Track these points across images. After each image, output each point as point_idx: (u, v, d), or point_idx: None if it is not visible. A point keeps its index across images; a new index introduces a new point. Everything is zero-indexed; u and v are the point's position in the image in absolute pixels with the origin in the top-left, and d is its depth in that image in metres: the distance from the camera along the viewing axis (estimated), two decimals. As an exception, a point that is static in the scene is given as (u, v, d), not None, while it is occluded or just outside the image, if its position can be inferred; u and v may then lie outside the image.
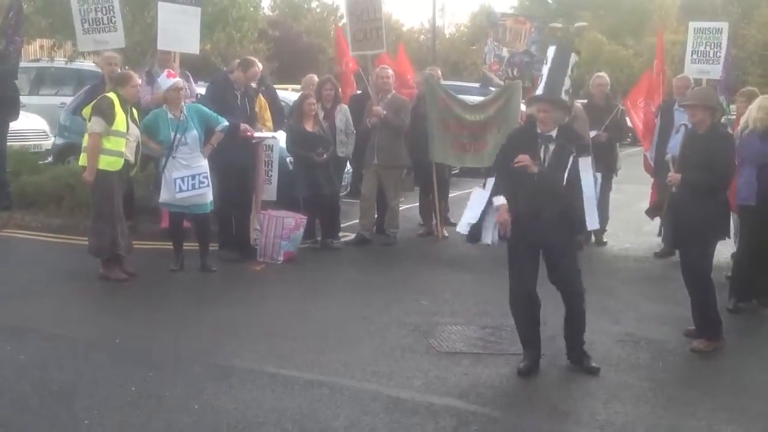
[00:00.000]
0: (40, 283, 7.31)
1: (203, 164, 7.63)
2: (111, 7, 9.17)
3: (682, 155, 6.09)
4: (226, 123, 7.81)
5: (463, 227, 6.46)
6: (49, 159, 12.36)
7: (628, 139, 14.82)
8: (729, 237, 6.33)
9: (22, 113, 10.92)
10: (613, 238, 9.95)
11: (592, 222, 5.66)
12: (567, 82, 5.48)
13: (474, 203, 6.34)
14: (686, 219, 5.90)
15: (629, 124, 10.62)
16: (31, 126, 13.56)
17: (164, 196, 7.60)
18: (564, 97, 5.47)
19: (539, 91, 5.59)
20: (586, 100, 10.13)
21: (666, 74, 10.92)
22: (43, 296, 6.88)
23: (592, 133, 9.21)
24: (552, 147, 5.35)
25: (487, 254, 9.24)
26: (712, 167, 5.78)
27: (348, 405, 4.77)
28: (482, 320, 6.62)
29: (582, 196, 5.45)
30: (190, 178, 7.51)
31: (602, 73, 10.31)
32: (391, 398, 4.88)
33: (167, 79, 7.63)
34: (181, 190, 7.49)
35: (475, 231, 6.17)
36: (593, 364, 5.45)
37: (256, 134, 8.42)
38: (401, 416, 4.64)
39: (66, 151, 11.41)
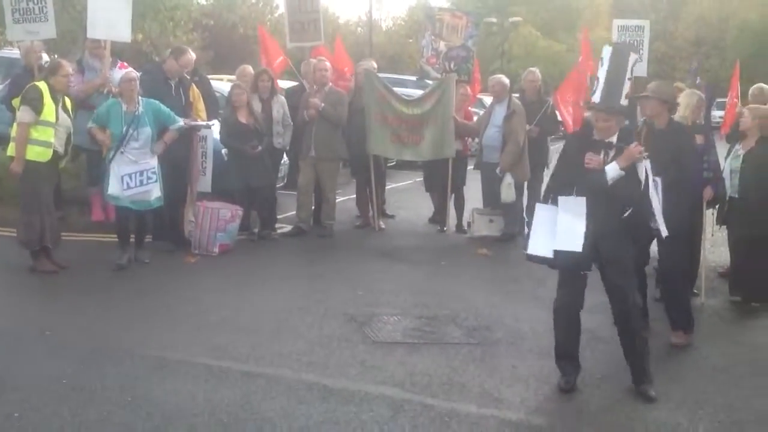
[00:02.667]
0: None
1: (151, 161, 7.49)
2: None
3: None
4: (181, 123, 7.72)
5: (563, 244, 5.06)
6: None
7: (561, 133, 15.13)
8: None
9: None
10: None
11: (663, 227, 5.16)
12: (627, 86, 5.11)
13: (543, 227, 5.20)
14: None
15: (559, 118, 10.84)
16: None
17: (112, 189, 7.37)
18: (624, 101, 5.09)
19: (596, 98, 5.12)
20: (518, 95, 10.31)
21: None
22: (-31, 289, 6.71)
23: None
24: (612, 153, 5.03)
25: (423, 246, 9.40)
26: (680, 162, 5.82)
27: (283, 395, 4.78)
28: (418, 310, 6.70)
29: (650, 202, 5.07)
30: (137, 174, 7.37)
31: (534, 69, 10.50)
32: (327, 388, 4.92)
33: (120, 71, 7.47)
34: (128, 187, 7.32)
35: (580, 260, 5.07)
36: (650, 393, 5.02)
37: (190, 122, 8.32)
38: (336, 405, 4.68)
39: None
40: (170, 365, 5.15)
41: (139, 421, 4.34)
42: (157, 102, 7.70)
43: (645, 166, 4.99)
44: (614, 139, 5.08)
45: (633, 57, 5.25)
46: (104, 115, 7.44)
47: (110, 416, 4.39)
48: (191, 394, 4.73)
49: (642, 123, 6.56)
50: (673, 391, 5.19)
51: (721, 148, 7.48)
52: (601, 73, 5.16)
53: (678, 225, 5.71)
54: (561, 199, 5.11)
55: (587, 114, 6.58)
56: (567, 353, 5.22)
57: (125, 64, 7.68)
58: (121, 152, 7.31)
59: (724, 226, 7.54)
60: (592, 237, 4.95)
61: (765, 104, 8.14)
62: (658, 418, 4.79)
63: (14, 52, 15.11)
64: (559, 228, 5.00)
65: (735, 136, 7.86)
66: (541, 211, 5.19)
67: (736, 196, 7.18)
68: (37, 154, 7.09)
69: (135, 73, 7.63)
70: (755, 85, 9.03)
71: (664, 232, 5.20)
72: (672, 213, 5.49)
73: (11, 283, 7.08)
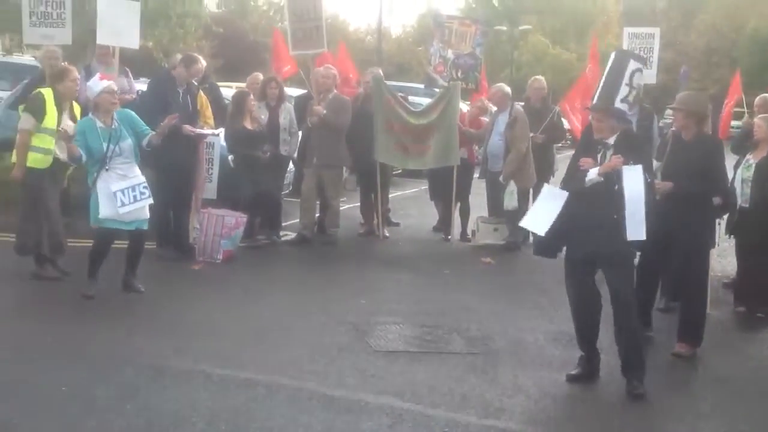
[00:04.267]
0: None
1: (139, 174, 7.00)
2: (62, 3, 9.04)
3: (669, 162, 6.05)
4: (151, 134, 7.11)
5: (530, 224, 5.56)
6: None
7: (567, 141, 15.12)
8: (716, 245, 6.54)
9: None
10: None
11: (637, 232, 5.10)
12: (624, 91, 5.35)
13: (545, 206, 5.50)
14: (678, 227, 5.82)
15: (566, 125, 10.83)
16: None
17: (105, 211, 6.64)
18: (621, 105, 5.34)
19: (595, 98, 5.52)
20: (523, 103, 10.31)
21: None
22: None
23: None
24: (609, 153, 5.23)
25: (427, 254, 9.39)
26: (706, 176, 5.85)
27: (284, 404, 4.78)
28: (420, 319, 6.68)
29: (624, 205, 5.11)
30: (130, 190, 6.74)
31: (539, 77, 10.52)
32: (327, 397, 4.91)
33: (99, 82, 6.91)
34: (123, 204, 6.67)
35: (544, 246, 5.56)
36: (638, 390, 5.12)
37: (197, 131, 8.34)
38: (336, 415, 4.67)
39: (2, 146, 11.10)
40: (171, 373, 5.16)
41: (138, 430, 4.34)
42: (129, 111, 7.25)
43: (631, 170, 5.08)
44: (612, 140, 5.27)
45: (634, 65, 5.40)
46: (82, 134, 6.72)
47: (110, 424, 4.39)
48: (191, 402, 4.73)
49: (669, 132, 6.64)
50: (675, 402, 5.17)
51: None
52: (603, 77, 5.48)
53: (705, 238, 5.96)
54: (545, 186, 5.69)
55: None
56: (583, 339, 5.45)
57: (106, 74, 7.39)
58: (106, 170, 6.73)
59: (731, 237, 7.51)
60: (580, 232, 5.20)
61: None
62: (660, 428, 4.76)
63: (24, 58, 15.26)
64: (533, 209, 5.54)
65: (742, 146, 7.84)
66: (546, 191, 5.61)
67: (746, 206, 7.15)
68: (35, 160, 7.08)
69: (115, 86, 7.10)
70: (760, 96, 9.00)
71: (636, 237, 5.11)
72: (698, 225, 5.83)
73: (14, 290, 7.08)
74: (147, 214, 6.97)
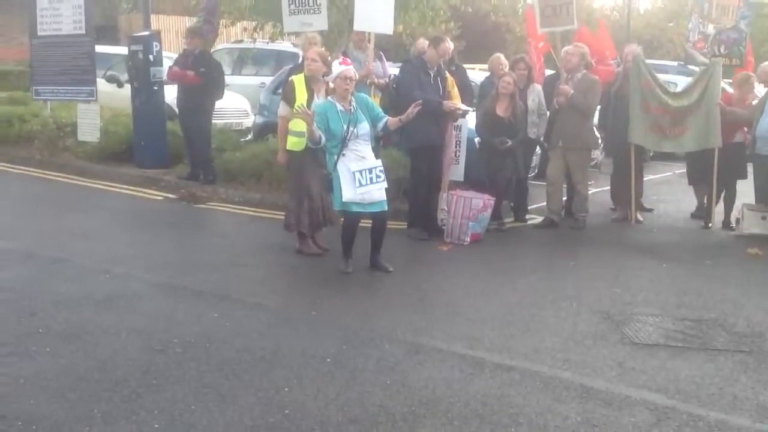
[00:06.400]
0: (242, 255, 7.70)
1: (376, 160, 7.16)
2: None
3: None
4: (387, 118, 7.27)
5: None
6: (249, 136, 13.02)
7: None
8: None
9: (225, 92, 11.56)
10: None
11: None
12: None
13: None
14: None
15: None
16: (233, 105, 14.38)
17: (347, 194, 6.85)
18: None
19: None
20: None
21: None
22: (245, 267, 7.26)
23: None
24: None
25: (685, 242, 8.87)
26: None
27: (539, 392, 4.68)
28: (680, 312, 6.30)
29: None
30: (367, 171, 6.89)
31: None
32: (585, 387, 4.75)
33: (337, 67, 6.99)
34: (361, 185, 6.85)
35: None
36: None
37: (460, 105, 8.41)
38: (595, 407, 4.50)
39: (265, 129, 11.92)
40: (425, 351, 5.24)
41: (397, 405, 4.44)
42: (365, 95, 7.42)
43: None
44: None
45: None
46: (323, 116, 6.89)
47: (370, 397, 4.54)
48: (447, 382, 4.77)
49: None
50: None
51: None
52: None
53: None
54: None
55: None
56: None
57: (347, 59, 7.50)
58: (343, 154, 6.92)
59: None
60: None
61: None
62: None
63: (284, 45, 16.28)
64: None
65: None
66: None
67: None
68: (293, 144, 7.50)
69: (353, 72, 7.05)
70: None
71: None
72: None
73: (281, 264, 7.57)
74: (383, 197, 7.07)
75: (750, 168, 9.36)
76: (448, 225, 8.47)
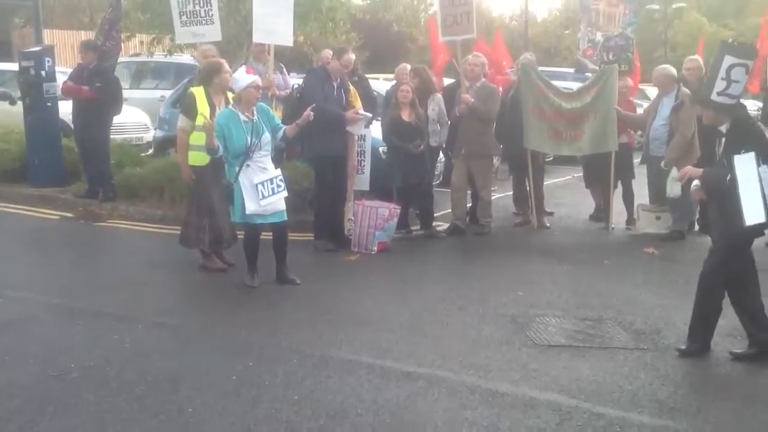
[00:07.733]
0: (144, 273, 7.50)
1: (276, 169, 7.03)
2: (208, 0, 9.37)
3: None
4: (285, 128, 7.21)
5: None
6: (150, 151, 12.73)
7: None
8: None
9: (124, 107, 11.26)
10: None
11: (756, 215, 5.12)
12: (720, 85, 5.34)
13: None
14: None
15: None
16: (132, 119, 14.02)
17: (250, 206, 6.74)
18: (716, 98, 5.36)
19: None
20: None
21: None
22: (147, 286, 7.07)
23: None
24: (722, 141, 5.43)
25: (584, 244, 9.11)
26: None
27: (446, 398, 4.72)
28: (581, 312, 6.46)
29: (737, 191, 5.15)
30: (269, 182, 6.81)
31: (695, 57, 9.96)
32: (490, 391, 4.81)
33: (245, 75, 6.82)
34: (263, 196, 6.76)
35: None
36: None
37: (361, 112, 8.41)
38: (501, 410, 4.56)
39: (166, 144, 11.67)
40: (334, 363, 5.21)
41: (304, 420, 4.39)
42: (265, 105, 7.33)
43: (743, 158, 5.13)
44: (724, 128, 5.42)
45: (730, 60, 5.29)
46: (225, 126, 6.70)
47: (277, 414, 4.47)
48: (355, 393, 4.75)
49: None
50: None
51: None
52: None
53: None
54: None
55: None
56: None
57: (252, 69, 7.40)
58: (247, 165, 6.77)
59: None
60: None
61: None
62: None
63: (184, 58, 15.99)
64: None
65: None
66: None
67: None
68: (196, 158, 7.28)
69: (260, 82, 7.03)
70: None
71: (754, 219, 5.14)
72: None
73: (183, 282, 7.42)
74: (283, 206, 7.01)
75: (643, 170, 9.68)
76: (354, 235, 8.47)
